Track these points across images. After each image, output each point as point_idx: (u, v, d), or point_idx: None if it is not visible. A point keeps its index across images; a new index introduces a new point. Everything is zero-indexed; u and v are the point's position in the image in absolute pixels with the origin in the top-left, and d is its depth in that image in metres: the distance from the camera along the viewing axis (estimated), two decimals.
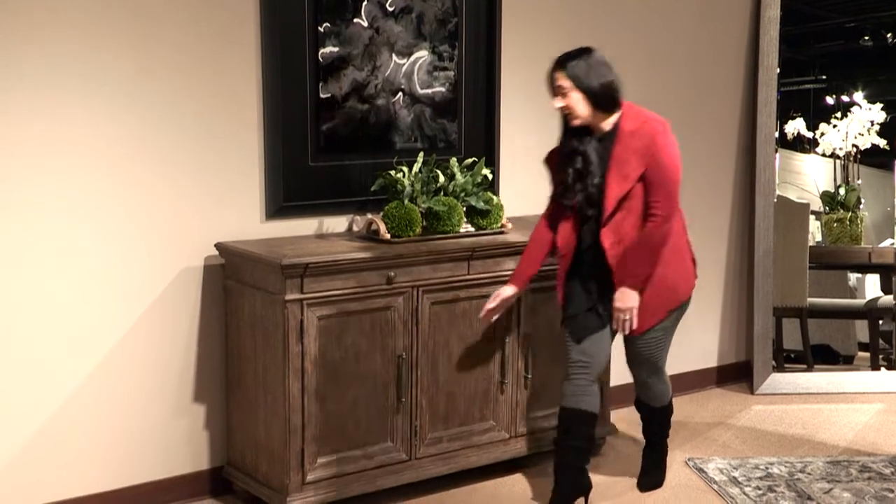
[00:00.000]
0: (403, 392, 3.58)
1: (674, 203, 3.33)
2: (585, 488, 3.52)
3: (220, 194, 3.62)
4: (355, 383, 3.48)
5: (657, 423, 3.79)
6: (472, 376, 3.75)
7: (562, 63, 3.32)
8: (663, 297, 3.43)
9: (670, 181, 3.30)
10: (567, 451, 3.48)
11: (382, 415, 3.56)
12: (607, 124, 3.35)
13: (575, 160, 3.39)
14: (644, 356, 3.54)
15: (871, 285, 5.87)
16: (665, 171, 3.29)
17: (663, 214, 3.31)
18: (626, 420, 4.49)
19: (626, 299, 3.37)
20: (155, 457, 3.59)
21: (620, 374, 4.43)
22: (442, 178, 3.77)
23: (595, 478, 3.93)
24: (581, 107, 3.31)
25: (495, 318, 3.63)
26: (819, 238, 5.65)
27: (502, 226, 3.86)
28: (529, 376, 3.87)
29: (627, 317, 3.38)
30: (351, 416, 3.48)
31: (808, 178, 5.82)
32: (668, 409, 3.77)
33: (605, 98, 3.30)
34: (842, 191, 5.54)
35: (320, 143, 3.77)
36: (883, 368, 5.38)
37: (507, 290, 3.55)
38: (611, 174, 3.32)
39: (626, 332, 3.43)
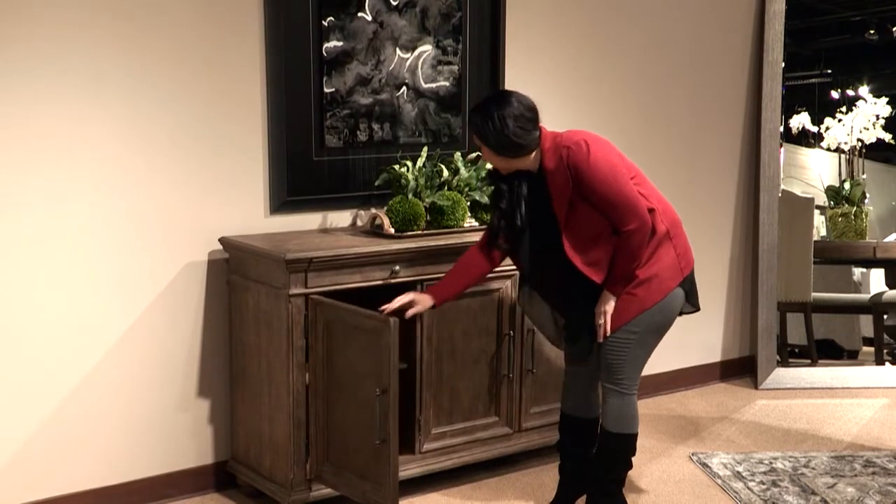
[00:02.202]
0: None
1: (637, 214, 3.08)
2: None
3: (225, 189, 3.61)
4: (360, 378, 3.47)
5: (599, 454, 3.36)
6: (475, 371, 3.75)
7: (469, 117, 3.22)
8: (624, 300, 3.20)
9: (619, 202, 3.08)
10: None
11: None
12: (532, 164, 3.17)
13: (500, 201, 3.28)
14: (607, 360, 3.27)
15: (876, 280, 5.87)
16: (608, 196, 3.08)
17: (633, 228, 3.09)
18: None
19: (604, 300, 3.20)
20: (159, 451, 3.60)
21: None
22: (446, 173, 3.76)
23: None
24: (493, 158, 3.18)
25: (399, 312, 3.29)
26: (824, 233, 5.64)
27: None
28: (534, 371, 3.87)
29: (601, 321, 3.21)
30: (354, 410, 3.47)
31: (812, 172, 5.81)
32: (612, 440, 3.30)
33: (506, 148, 3.11)
34: (847, 185, 5.53)
35: (324, 138, 3.76)
36: (887, 363, 5.37)
37: (427, 302, 3.30)
38: (557, 208, 3.17)
39: (601, 337, 3.23)
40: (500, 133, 3.09)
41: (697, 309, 3.38)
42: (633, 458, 3.43)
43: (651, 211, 3.17)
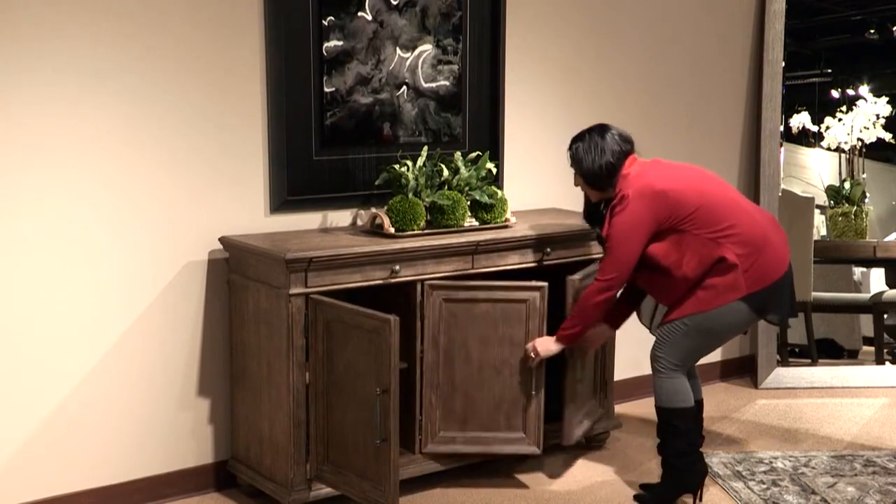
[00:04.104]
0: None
1: (610, 269, 3.41)
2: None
3: (225, 188, 3.62)
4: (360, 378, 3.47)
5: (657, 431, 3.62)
6: (496, 382, 3.62)
7: (570, 144, 3.56)
8: (691, 299, 3.42)
9: (610, 253, 3.42)
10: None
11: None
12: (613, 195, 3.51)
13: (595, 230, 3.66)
14: (655, 342, 3.55)
15: (876, 279, 5.87)
16: (609, 244, 3.43)
17: (600, 279, 3.43)
18: (631, 413, 4.49)
19: (541, 342, 3.58)
20: (159, 451, 3.60)
21: (625, 368, 4.44)
22: (446, 172, 3.76)
23: (597, 471, 3.94)
24: (586, 186, 3.55)
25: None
26: (824, 232, 5.65)
27: (506, 220, 3.86)
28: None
29: (532, 354, 3.60)
30: (354, 409, 3.47)
31: (812, 172, 5.82)
32: (659, 413, 3.57)
33: (597, 180, 3.49)
34: (847, 185, 5.54)
35: (325, 137, 3.76)
36: (887, 363, 5.38)
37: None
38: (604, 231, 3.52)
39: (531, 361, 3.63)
40: (595, 165, 3.44)
41: (777, 322, 3.65)
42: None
43: (720, 245, 3.35)
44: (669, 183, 3.39)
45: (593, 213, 3.61)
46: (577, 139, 3.53)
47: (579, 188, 3.62)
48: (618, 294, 3.51)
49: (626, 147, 3.48)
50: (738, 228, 3.38)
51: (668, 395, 3.51)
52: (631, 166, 3.45)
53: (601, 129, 3.51)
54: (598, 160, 3.44)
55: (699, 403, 3.69)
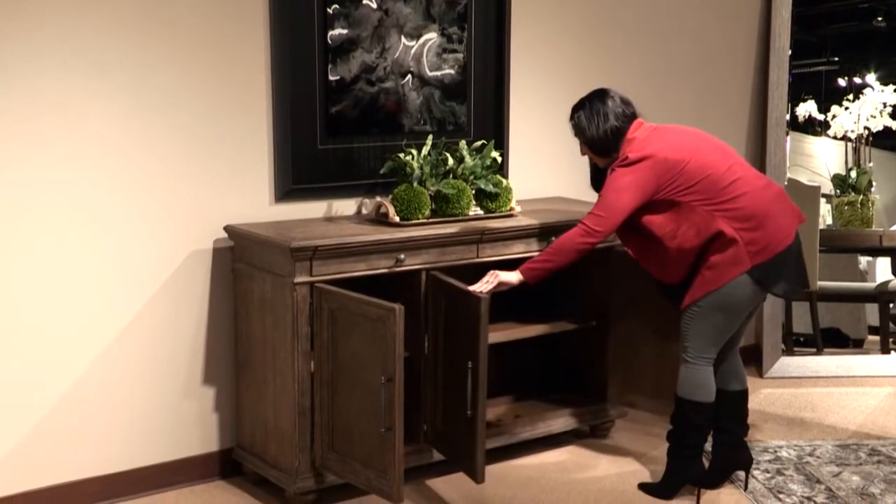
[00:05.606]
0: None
1: (595, 222, 3.35)
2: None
3: (230, 177, 3.61)
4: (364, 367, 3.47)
5: (672, 418, 3.60)
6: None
7: (571, 113, 3.53)
8: (698, 280, 3.40)
9: (601, 201, 3.38)
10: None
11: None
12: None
13: None
14: (680, 331, 3.52)
15: (882, 269, 5.85)
16: (602, 194, 3.40)
17: (585, 223, 3.37)
18: None
19: (502, 273, 3.45)
20: (165, 439, 3.61)
21: None
22: (451, 161, 3.76)
23: (601, 460, 3.95)
24: (592, 154, 3.52)
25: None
26: (830, 221, 5.63)
27: (511, 209, 3.85)
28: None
29: (487, 279, 3.45)
30: (359, 398, 3.48)
31: (819, 160, 5.80)
32: (677, 402, 3.53)
33: (601, 146, 3.46)
34: (853, 174, 5.52)
35: (329, 126, 3.76)
36: (893, 352, 5.37)
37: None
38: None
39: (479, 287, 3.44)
40: (600, 131, 3.42)
41: (783, 295, 3.57)
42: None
43: (718, 219, 3.33)
44: (674, 153, 3.36)
45: (601, 179, 3.56)
46: (577, 108, 3.50)
47: (586, 159, 3.61)
48: (597, 245, 3.41)
49: (630, 110, 3.45)
50: (739, 202, 3.35)
51: (689, 386, 3.47)
52: (637, 130, 3.43)
53: (601, 95, 3.47)
54: (602, 126, 3.41)
55: (743, 393, 3.65)
